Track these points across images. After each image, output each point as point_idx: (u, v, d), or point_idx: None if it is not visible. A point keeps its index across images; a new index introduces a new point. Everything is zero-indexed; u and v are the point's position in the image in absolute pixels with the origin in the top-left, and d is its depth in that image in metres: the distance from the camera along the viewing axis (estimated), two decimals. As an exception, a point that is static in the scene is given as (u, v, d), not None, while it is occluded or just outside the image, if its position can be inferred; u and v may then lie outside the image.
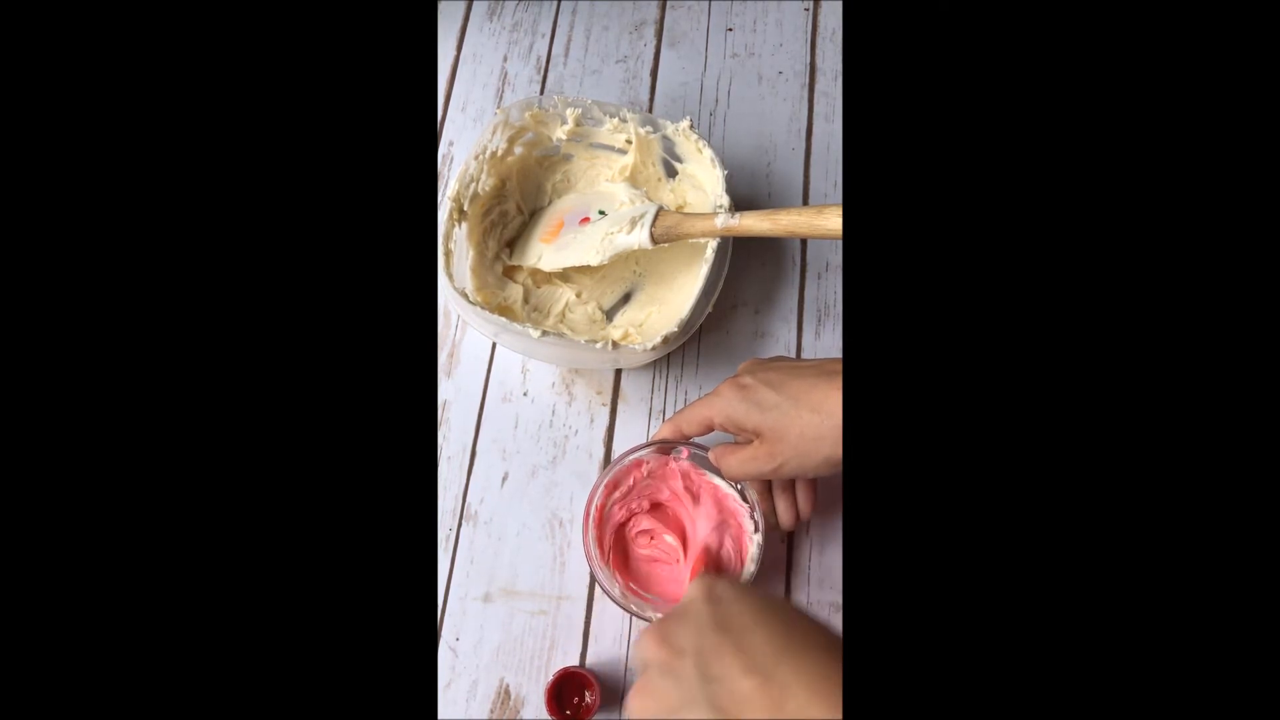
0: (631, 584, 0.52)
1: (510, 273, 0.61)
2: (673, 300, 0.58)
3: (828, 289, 0.61)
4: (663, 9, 0.70)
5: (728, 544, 0.52)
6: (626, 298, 0.61)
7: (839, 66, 0.67)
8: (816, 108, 0.66)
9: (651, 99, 0.67)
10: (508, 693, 0.52)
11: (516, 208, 0.61)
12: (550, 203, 0.62)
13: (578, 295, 0.60)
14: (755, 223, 0.49)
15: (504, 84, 0.68)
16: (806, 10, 0.69)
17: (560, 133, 0.59)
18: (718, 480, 0.52)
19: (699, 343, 0.60)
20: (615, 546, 0.53)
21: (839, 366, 0.45)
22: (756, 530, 0.50)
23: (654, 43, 0.69)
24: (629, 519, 0.54)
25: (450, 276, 0.53)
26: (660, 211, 0.53)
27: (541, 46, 0.69)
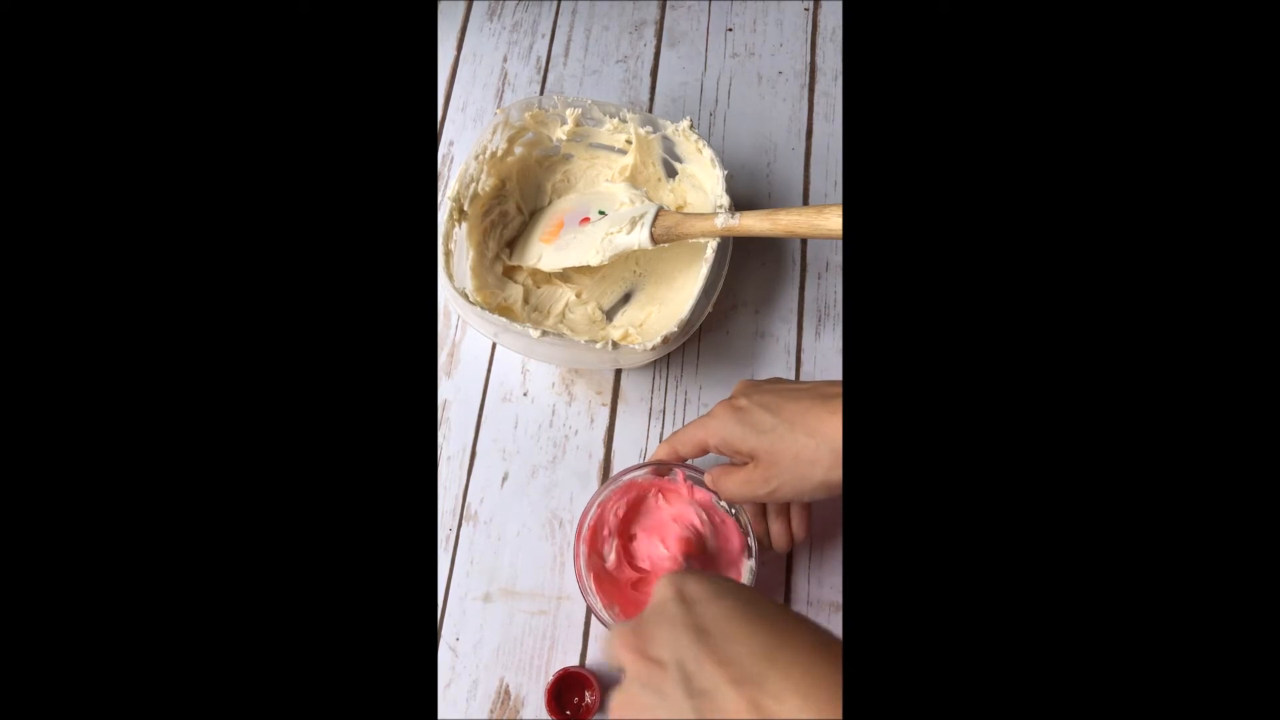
0: (624, 610, 0.51)
1: (510, 273, 0.61)
2: (673, 300, 0.58)
3: (828, 289, 0.61)
4: (663, 9, 0.70)
5: (722, 567, 0.52)
6: (626, 298, 0.61)
7: (839, 66, 0.67)
8: (816, 108, 0.66)
9: (651, 99, 0.67)
10: (508, 693, 0.52)
11: (516, 208, 0.61)
12: (550, 203, 0.62)
13: (578, 295, 0.60)
14: (755, 223, 0.49)
15: (504, 84, 0.68)
16: (806, 10, 0.69)
17: (560, 133, 0.59)
18: (714, 503, 0.52)
19: (699, 343, 0.60)
20: (608, 570, 0.52)
21: (835, 389, 0.45)
22: (750, 556, 0.50)
23: (654, 43, 0.69)
24: (622, 540, 0.53)
25: (450, 276, 0.53)
26: (660, 211, 0.53)
27: (541, 46, 0.69)
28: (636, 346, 0.51)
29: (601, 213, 0.59)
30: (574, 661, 0.53)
